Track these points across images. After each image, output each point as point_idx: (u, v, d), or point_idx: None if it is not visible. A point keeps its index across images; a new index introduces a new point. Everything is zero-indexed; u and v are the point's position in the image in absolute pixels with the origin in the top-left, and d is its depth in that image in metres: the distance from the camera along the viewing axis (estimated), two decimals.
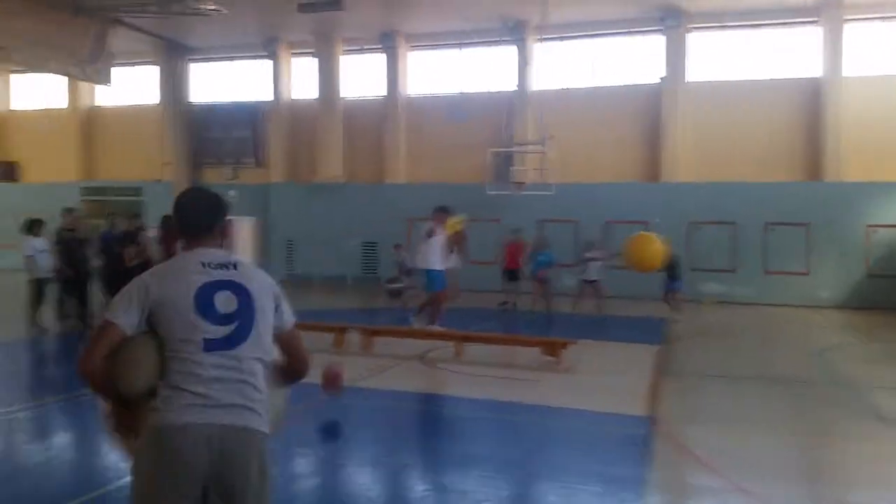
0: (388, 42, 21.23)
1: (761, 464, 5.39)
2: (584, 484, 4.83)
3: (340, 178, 21.52)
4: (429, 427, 6.43)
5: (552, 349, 9.11)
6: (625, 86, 20.10)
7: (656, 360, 9.54)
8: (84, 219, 11.35)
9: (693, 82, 19.40)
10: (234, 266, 2.50)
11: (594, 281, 14.11)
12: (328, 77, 21.48)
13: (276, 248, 22.26)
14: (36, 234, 10.84)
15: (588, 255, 14.26)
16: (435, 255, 10.27)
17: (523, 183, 19.59)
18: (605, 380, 8.38)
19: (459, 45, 21.41)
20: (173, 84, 23.01)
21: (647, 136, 19.76)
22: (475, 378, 8.22)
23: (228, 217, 2.65)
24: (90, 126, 24.72)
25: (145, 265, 10.41)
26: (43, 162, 25.01)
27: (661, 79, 19.49)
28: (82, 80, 20.65)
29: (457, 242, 14.34)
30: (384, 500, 4.59)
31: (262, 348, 2.42)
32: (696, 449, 5.59)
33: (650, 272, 12.30)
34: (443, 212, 10.65)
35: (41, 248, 10.73)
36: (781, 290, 17.84)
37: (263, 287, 2.51)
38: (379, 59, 21.85)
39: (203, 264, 2.46)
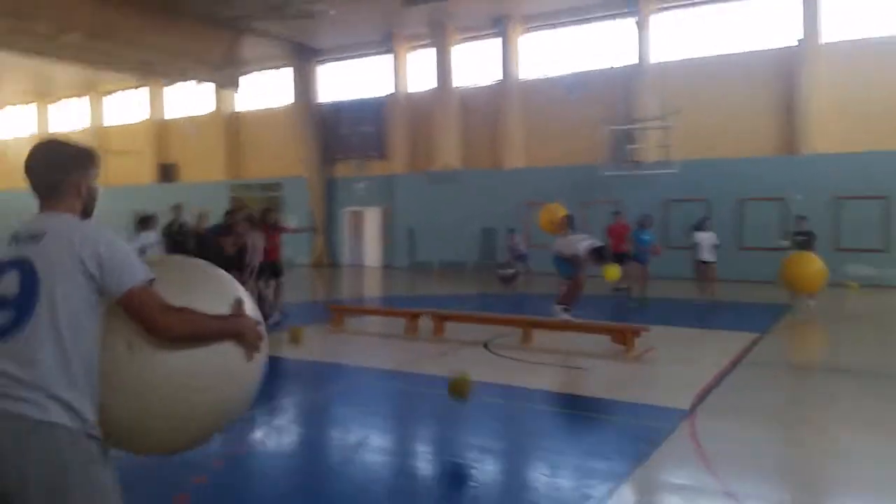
0: (500, 26, 20.99)
1: (780, 469, 4.76)
2: (553, 475, 4.48)
3: (455, 166, 21.59)
4: (424, 409, 6.35)
5: (622, 337, 8.59)
6: (755, 51, 18.42)
7: (744, 350, 8.69)
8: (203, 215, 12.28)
9: (835, 42, 17.40)
10: (42, 236, 2.10)
11: (707, 262, 13.05)
12: (443, 67, 21.61)
13: (399, 237, 22.83)
14: (147, 229, 11.80)
15: (698, 233, 13.18)
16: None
17: (640, 161, 18.62)
18: (668, 369, 7.75)
19: (574, 23, 20.67)
20: (304, 85, 24.19)
21: (783, 105, 18.00)
22: (524, 364, 7.92)
23: (84, 171, 2.24)
24: (235, 129, 26.65)
25: (242, 253, 11.18)
26: (197, 163, 27.37)
27: (799, 41, 17.65)
28: (214, 84, 22.26)
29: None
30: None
31: (45, 336, 2.03)
32: (713, 446, 5.02)
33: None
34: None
35: (152, 242, 11.68)
36: None
37: (62, 258, 2.06)
38: (493, 45, 21.63)
39: (14, 237, 2.15)
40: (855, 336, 10.46)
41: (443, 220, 21.89)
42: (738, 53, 18.61)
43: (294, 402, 6.66)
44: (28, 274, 2.06)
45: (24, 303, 2.04)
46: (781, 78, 17.91)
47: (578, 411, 6.10)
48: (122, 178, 28.90)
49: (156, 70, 20.01)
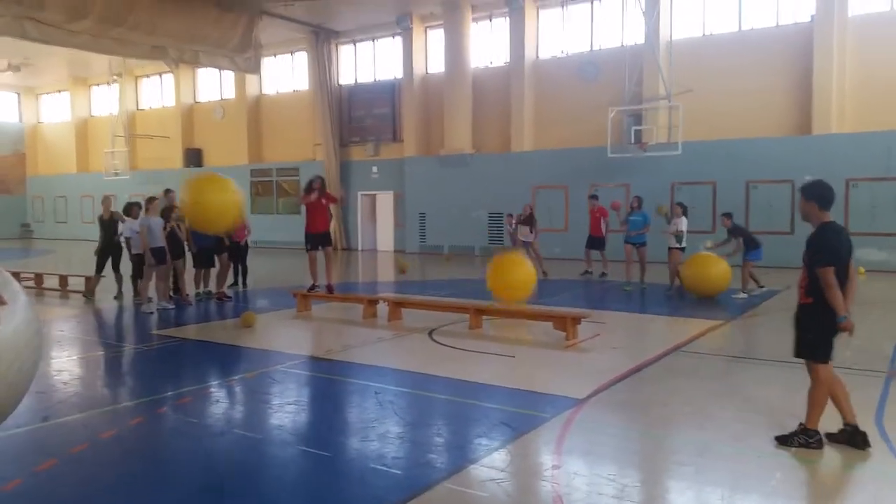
0: (514, 4, 20.62)
1: (622, 462, 4.66)
2: (391, 461, 4.47)
3: (466, 150, 21.44)
4: (312, 395, 6.45)
5: (562, 324, 8.46)
6: (772, 27, 17.68)
7: (691, 338, 8.46)
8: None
9: (852, 17, 16.57)
10: None
11: (673, 248, 12.58)
12: (456, 47, 21.37)
13: (410, 220, 22.86)
14: (133, 217, 12.08)
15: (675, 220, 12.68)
16: None
17: (645, 143, 18.15)
18: (596, 357, 7.57)
19: (586, 0, 20.21)
20: (322, 68, 24.30)
21: (796, 84, 17.26)
22: (456, 352, 7.87)
23: None
24: (256, 113, 27.00)
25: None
26: (221, 148, 27.88)
27: (812, 17, 16.87)
28: (233, 70, 22.55)
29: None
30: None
31: None
32: (577, 437, 4.95)
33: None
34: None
35: (136, 229, 11.98)
36: None
37: None
38: (506, 25, 21.33)
39: None
40: None
41: (452, 203, 21.83)
42: (751, 31, 17.91)
43: (192, 390, 6.79)
44: None
45: None
46: (795, 56, 17.17)
47: (469, 399, 6.03)
48: (153, 163, 29.72)
49: (169, 55, 20.29)
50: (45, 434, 5.21)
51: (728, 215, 12.26)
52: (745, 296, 11.73)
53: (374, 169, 24.09)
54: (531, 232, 15.16)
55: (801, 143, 16.96)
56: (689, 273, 11.62)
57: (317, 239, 10.84)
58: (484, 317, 9.31)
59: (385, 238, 24.05)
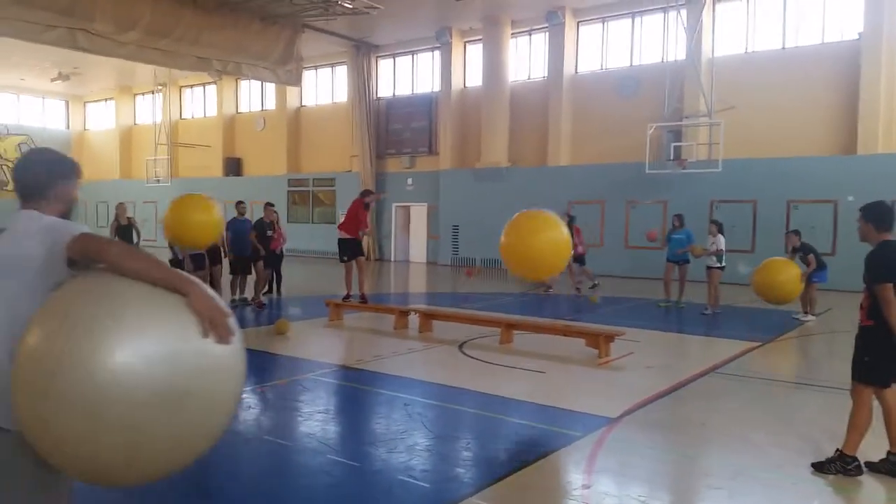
0: (554, 19, 20.60)
1: (653, 483, 4.55)
2: (419, 475, 4.44)
3: (502, 163, 21.44)
4: (342, 404, 6.48)
5: (595, 341, 8.36)
6: (816, 45, 17.39)
7: (728, 360, 8.30)
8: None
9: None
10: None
11: (710, 267, 12.29)
12: (494, 61, 21.46)
13: (443, 232, 22.90)
14: None
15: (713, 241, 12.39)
16: None
17: (685, 160, 17.94)
18: (629, 375, 7.46)
19: (626, 16, 20.12)
20: (361, 81, 24.57)
21: (841, 103, 16.94)
22: (486, 365, 7.82)
23: (64, 180, 2.38)
24: (296, 124, 27.37)
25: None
26: (260, 158, 28.30)
27: (859, 34, 16.56)
28: (274, 82, 22.88)
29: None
30: None
31: None
32: (610, 456, 4.87)
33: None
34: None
35: None
36: None
37: (10, 247, 2.21)
38: (544, 39, 21.36)
39: None
40: None
41: (487, 216, 21.78)
42: (795, 48, 17.63)
43: None
44: None
45: None
46: (841, 74, 16.86)
47: (498, 414, 5.98)
48: (193, 171, 30.27)
49: (213, 66, 20.69)
50: None
51: (796, 233, 11.71)
52: (812, 318, 11.36)
53: (409, 180, 24.21)
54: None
55: (846, 163, 16.60)
56: (758, 279, 11.05)
57: (355, 247, 11.30)
58: (515, 331, 9.24)
59: (418, 249, 24.11)
